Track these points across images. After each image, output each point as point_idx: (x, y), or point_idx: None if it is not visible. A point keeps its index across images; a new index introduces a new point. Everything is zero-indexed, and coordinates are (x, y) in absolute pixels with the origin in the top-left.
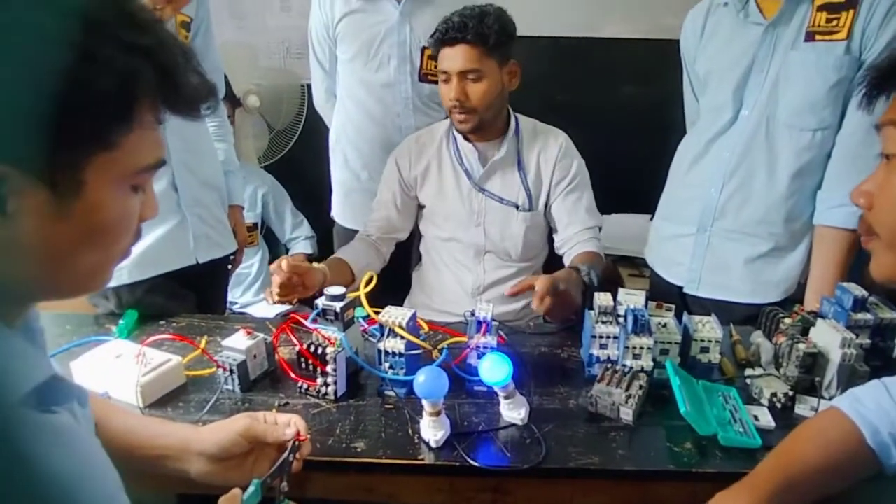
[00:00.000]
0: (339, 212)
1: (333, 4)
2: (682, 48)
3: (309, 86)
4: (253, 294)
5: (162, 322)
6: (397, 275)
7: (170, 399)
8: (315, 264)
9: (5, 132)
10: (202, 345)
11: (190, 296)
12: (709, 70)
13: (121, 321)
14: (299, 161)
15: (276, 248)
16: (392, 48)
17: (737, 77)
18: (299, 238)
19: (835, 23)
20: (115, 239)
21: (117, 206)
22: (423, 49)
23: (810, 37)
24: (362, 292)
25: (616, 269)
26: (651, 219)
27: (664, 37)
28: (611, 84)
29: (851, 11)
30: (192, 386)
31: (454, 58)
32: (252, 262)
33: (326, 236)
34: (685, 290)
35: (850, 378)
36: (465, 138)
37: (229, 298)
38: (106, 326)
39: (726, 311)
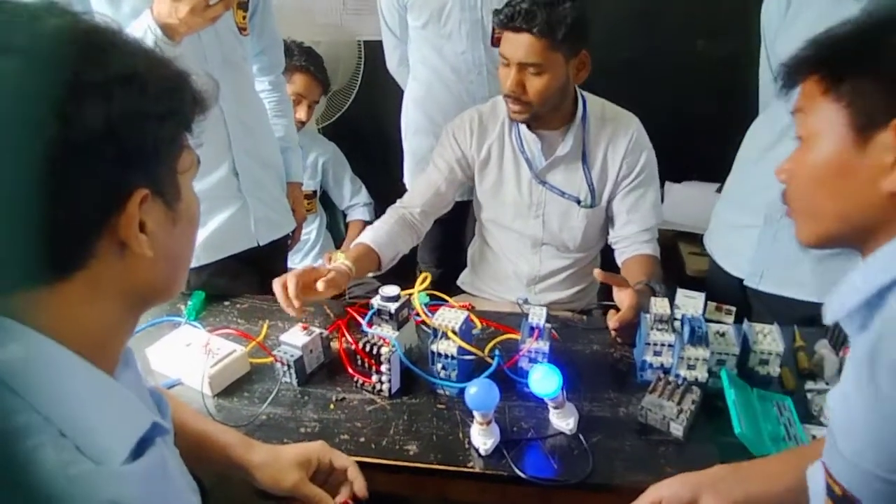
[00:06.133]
0: (411, 180)
1: None
2: (762, 22)
3: (365, 42)
4: (312, 260)
5: (227, 302)
6: (451, 252)
7: (235, 388)
8: (337, 257)
9: (139, 162)
10: (261, 336)
11: (253, 274)
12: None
13: (189, 302)
14: (357, 121)
15: (334, 214)
16: (463, 12)
17: None
18: (357, 205)
19: None
20: (196, 227)
21: (194, 197)
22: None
23: None
24: (416, 292)
25: (677, 245)
26: (718, 189)
27: None
28: (682, 37)
29: None
30: (255, 374)
31: (516, 46)
32: (311, 228)
33: (385, 199)
34: (746, 283)
35: None
36: (528, 126)
37: (289, 265)
38: (176, 306)
39: (788, 308)
